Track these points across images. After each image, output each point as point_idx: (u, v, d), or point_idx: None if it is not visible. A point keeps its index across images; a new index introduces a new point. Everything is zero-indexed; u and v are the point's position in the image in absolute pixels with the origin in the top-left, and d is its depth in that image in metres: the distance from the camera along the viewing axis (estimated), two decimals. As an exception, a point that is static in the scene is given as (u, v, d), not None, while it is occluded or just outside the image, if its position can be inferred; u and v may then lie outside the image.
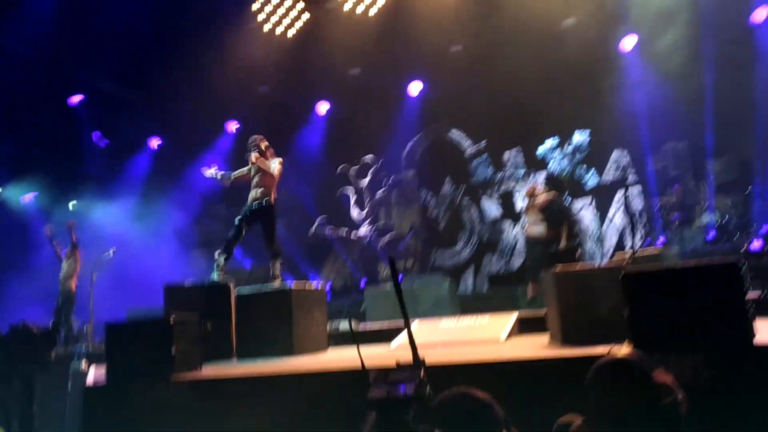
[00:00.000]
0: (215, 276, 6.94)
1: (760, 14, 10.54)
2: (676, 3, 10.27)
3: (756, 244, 6.35)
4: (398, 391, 1.83)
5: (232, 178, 7.29)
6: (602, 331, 4.35)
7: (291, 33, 12.49)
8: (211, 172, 7.29)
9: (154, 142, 14.14)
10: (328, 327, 7.04)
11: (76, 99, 12.65)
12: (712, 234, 10.16)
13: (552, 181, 8.77)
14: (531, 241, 8.47)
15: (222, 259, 7.06)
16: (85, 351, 6.35)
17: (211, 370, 5.35)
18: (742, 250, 6.40)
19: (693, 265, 4.09)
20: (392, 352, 5.95)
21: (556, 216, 8.16)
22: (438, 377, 3.91)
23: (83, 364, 6.20)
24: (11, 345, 3.96)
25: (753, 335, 3.48)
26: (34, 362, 3.98)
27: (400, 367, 2.04)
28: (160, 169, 13.98)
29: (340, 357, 5.89)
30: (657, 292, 3.71)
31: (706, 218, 10.67)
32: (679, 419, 2.30)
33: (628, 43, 11.44)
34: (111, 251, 9.07)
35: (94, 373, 5.83)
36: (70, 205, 10.56)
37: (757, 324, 3.56)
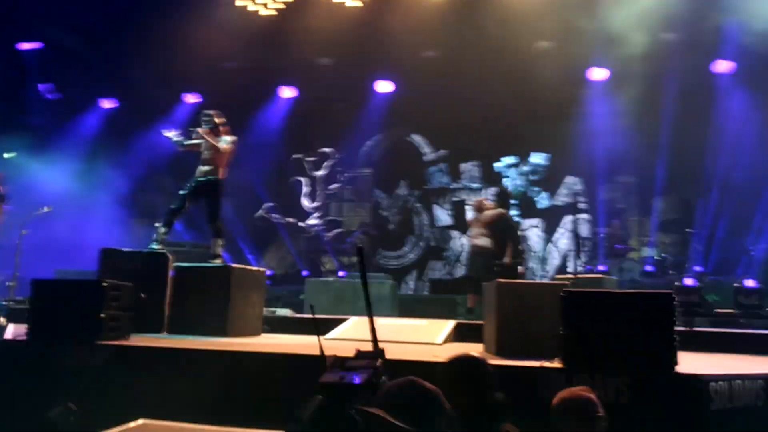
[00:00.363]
0: (154, 246, 6.73)
1: (721, 65, 11.07)
2: (645, 42, 10.64)
3: (688, 281, 6.66)
4: (351, 378, 1.81)
5: (185, 144, 7.12)
6: (536, 346, 4.46)
7: (264, 13, 12.26)
8: (170, 134, 7.09)
9: (107, 103, 13.60)
10: (263, 312, 6.95)
11: (27, 46, 12.03)
12: (649, 267, 10.60)
13: (502, 196, 8.85)
14: (475, 253, 8.53)
15: (162, 230, 6.87)
16: (5, 306, 6.03)
17: (138, 340, 5.19)
18: (676, 284, 6.70)
19: (628, 293, 4.25)
20: (327, 343, 5.91)
21: (503, 231, 8.26)
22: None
23: (2, 319, 5.90)
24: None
25: (676, 364, 3.63)
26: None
27: (359, 355, 2.02)
28: (108, 132, 13.44)
29: (276, 342, 5.81)
30: (592, 313, 3.83)
31: (646, 252, 11.14)
32: None
33: (597, 74, 11.80)
34: (45, 208, 8.65)
35: (12, 329, 5.55)
36: (5, 155, 9.98)
37: (680, 355, 3.72)
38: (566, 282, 5.08)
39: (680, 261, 10.59)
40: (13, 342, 5.15)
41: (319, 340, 2.33)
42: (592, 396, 2.59)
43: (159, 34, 11.47)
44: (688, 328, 6.16)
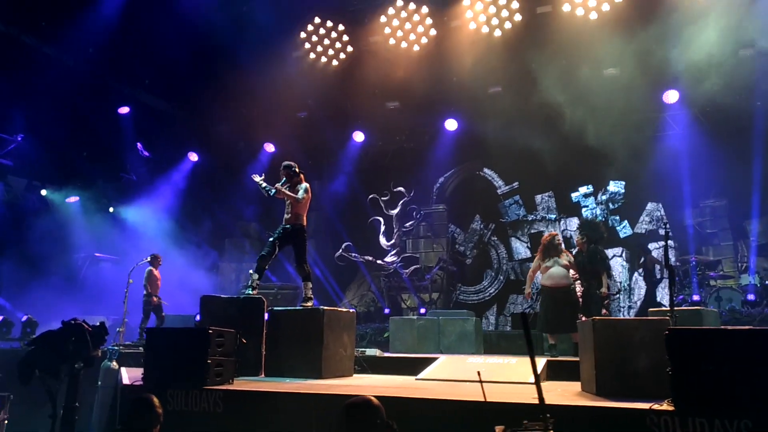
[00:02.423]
0: (249, 292, 7.06)
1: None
2: (726, 59, 10.29)
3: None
4: None
5: (273, 192, 7.45)
6: (638, 385, 4.34)
7: (334, 63, 12.81)
8: (259, 179, 7.46)
9: (193, 157, 14.49)
10: (355, 353, 7.10)
11: (124, 110, 13.12)
12: (752, 296, 9.92)
13: (589, 227, 8.68)
14: (556, 290, 8.30)
15: (256, 277, 7.20)
16: (117, 351, 6.49)
17: (241, 384, 5.44)
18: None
19: (743, 330, 4.03)
20: (418, 383, 5.98)
21: (594, 264, 8.11)
22: (476, 415, 3.95)
23: (114, 363, 6.35)
24: (64, 341, 4.11)
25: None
26: (82, 358, 4.12)
27: (527, 427, 2.09)
28: (197, 183, 14.31)
29: (369, 384, 5.92)
30: (704, 352, 3.63)
31: (746, 279, 10.47)
32: None
33: (671, 96, 11.47)
34: (148, 258, 9.30)
35: (127, 374, 5.96)
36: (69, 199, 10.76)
37: None
38: (665, 317, 4.90)
39: (788, 287, 9.86)
40: (130, 386, 5.53)
41: (482, 389, 2.30)
42: None
43: (236, 88, 12.22)
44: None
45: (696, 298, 10.01)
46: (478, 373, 2.56)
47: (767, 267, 10.71)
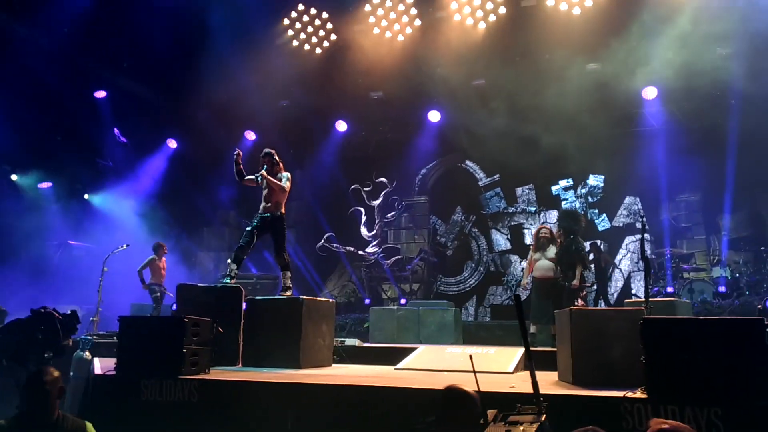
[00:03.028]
0: (227, 281, 6.97)
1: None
2: (704, 57, 10.41)
3: (773, 303, 6.38)
4: (516, 430, 1.87)
5: (245, 178, 7.35)
6: (614, 374, 4.39)
7: (317, 51, 12.68)
8: (237, 155, 7.32)
9: (172, 143, 14.27)
10: (334, 343, 7.08)
11: (100, 94, 12.85)
12: (723, 288, 10.15)
13: (567, 219, 8.72)
14: (541, 282, 8.45)
15: (234, 266, 7.12)
16: (90, 341, 6.38)
17: (217, 374, 5.38)
18: (758, 307, 6.41)
19: (716, 319, 4.11)
20: (397, 372, 5.98)
21: (570, 256, 8.18)
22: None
23: (87, 353, 6.24)
24: (33, 329, 4.02)
25: (772, 394, 3.48)
26: (52, 347, 4.03)
27: (521, 410, 2.09)
28: (175, 171, 14.10)
29: (349, 373, 5.90)
30: (677, 341, 3.71)
31: (717, 272, 10.69)
32: None
33: (650, 92, 11.57)
34: (123, 246, 9.15)
35: (100, 364, 5.86)
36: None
37: None
38: (641, 308, 4.95)
39: (757, 281, 10.10)
40: (102, 376, 5.43)
41: (476, 379, 2.30)
42: (689, 429, 2.50)
43: (217, 74, 12.02)
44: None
45: (670, 290, 10.19)
46: (470, 356, 2.55)
47: (738, 260, 10.94)
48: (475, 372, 2.63)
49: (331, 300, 7.35)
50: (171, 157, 14.17)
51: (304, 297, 6.53)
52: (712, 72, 10.50)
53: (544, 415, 2.00)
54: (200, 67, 11.97)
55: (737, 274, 10.41)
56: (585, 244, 9.34)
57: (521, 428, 1.92)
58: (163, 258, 10.29)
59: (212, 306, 6.33)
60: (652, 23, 10.40)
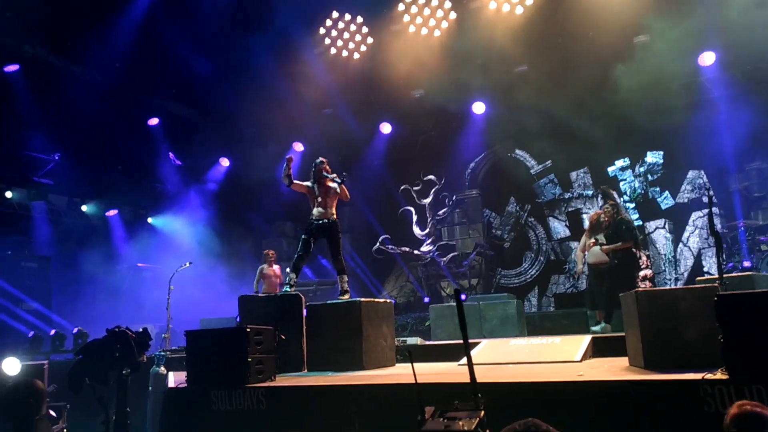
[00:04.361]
0: (287, 290, 7.08)
1: None
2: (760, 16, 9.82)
3: None
4: (457, 426, 1.85)
5: (293, 182, 7.41)
6: (688, 356, 4.18)
7: (356, 56, 12.76)
8: (289, 160, 7.41)
9: (224, 162, 14.66)
10: (396, 343, 7.07)
11: (153, 121, 13.37)
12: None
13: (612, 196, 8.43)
14: (597, 267, 8.20)
15: (293, 275, 7.22)
16: (164, 356, 6.61)
17: (283, 380, 5.46)
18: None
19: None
20: (460, 368, 5.90)
21: (619, 236, 7.87)
22: (515, 397, 3.87)
23: (162, 368, 6.47)
24: (110, 348, 4.21)
25: None
26: (129, 364, 4.21)
27: (458, 407, 2.05)
28: (229, 188, 14.49)
29: (419, 372, 5.86)
30: (757, 317, 3.47)
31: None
32: None
33: (707, 58, 11.00)
34: (187, 264, 9.47)
35: (173, 377, 6.07)
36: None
37: None
38: (713, 284, 4.69)
39: None
40: (176, 389, 5.63)
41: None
42: None
43: (260, 90, 12.29)
44: None
45: (747, 264, 9.63)
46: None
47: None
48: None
49: (389, 300, 7.35)
50: (224, 175, 14.56)
51: (362, 299, 6.55)
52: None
53: (482, 411, 1.93)
54: (243, 84, 12.28)
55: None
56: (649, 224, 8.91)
57: (460, 423, 1.86)
58: (273, 266, 10.42)
59: (274, 315, 6.45)
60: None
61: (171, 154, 13.61)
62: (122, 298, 11.77)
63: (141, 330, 4.56)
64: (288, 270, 7.34)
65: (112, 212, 13.44)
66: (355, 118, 13.42)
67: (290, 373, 6.01)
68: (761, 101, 10.60)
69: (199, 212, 13.70)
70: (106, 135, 12.02)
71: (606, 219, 8.18)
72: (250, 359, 5.27)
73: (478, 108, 13.05)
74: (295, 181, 7.41)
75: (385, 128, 13.83)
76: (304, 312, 6.63)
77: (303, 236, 7.36)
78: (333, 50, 12.77)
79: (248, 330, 5.42)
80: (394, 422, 4.32)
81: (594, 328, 7.79)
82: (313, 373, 6.09)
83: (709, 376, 3.49)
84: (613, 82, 10.85)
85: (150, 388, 6.33)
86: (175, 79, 12.39)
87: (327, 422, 4.62)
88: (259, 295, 7.01)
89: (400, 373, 5.89)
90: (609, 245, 7.94)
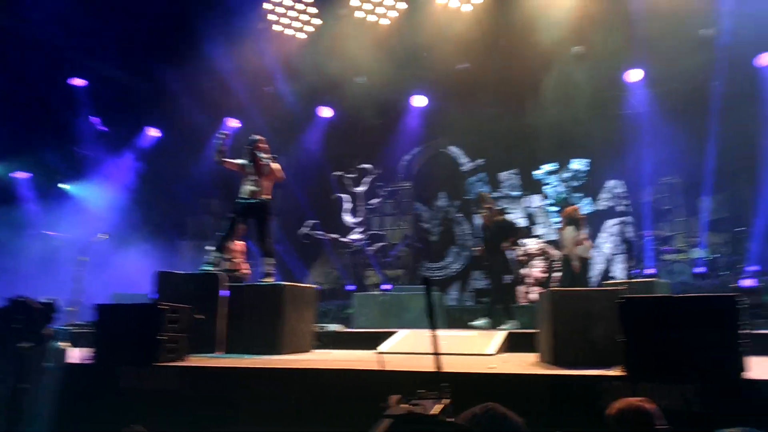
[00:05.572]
0: (207, 268, 6.88)
1: (765, 59, 10.70)
2: (686, 40, 10.42)
3: (747, 282, 6.43)
4: (423, 408, 1.86)
5: (225, 160, 7.20)
6: (596, 354, 4.38)
7: (300, 36, 12.52)
8: (222, 136, 7.18)
9: (153, 132, 14.05)
10: (315, 329, 7.04)
11: (78, 82, 12.60)
12: (700, 269, 10.29)
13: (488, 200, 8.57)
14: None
15: (215, 254, 7.02)
16: (66, 331, 6.27)
17: (195, 361, 5.31)
18: (732, 286, 6.47)
19: (690, 297, 4.12)
20: (378, 355, 5.93)
21: (501, 236, 8.12)
22: (431, 385, 3.93)
23: (62, 343, 6.13)
24: (10, 318, 3.93)
25: (743, 369, 3.51)
26: (31, 337, 3.95)
27: (423, 396, 2.06)
28: (156, 159, 13.90)
29: (329, 358, 5.86)
30: (653, 320, 3.72)
31: (695, 253, 10.81)
32: None
33: (634, 75, 11.58)
34: (101, 236, 8.99)
35: (77, 353, 5.76)
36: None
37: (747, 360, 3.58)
38: (621, 288, 4.96)
39: (733, 261, 10.23)
40: (79, 365, 5.34)
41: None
42: (652, 407, 2.49)
43: (198, 62, 11.83)
44: (750, 331, 5.93)
45: (651, 271, 10.27)
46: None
47: (716, 241, 11.06)
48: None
49: (313, 286, 7.29)
50: (152, 145, 13.95)
51: (286, 283, 6.46)
52: (694, 55, 10.53)
53: (448, 399, 1.98)
54: (181, 53, 11.77)
55: (715, 255, 10.55)
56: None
57: (425, 408, 1.90)
58: (238, 242, 9.79)
59: (191, 293, 6.24)
60: (636, 5, 10.35)
61: (94, 118, 12.87)
62: (28, 266, 11.05)
63: (46, 301, 4.31)
64: (210, 247, 7.13)
65: (21, 174, 12.55)
66: (296, 99, 13.17)
67: (204, 353, 5.84)
68: (679, 119, 11.29)
69: (121, 182, 13.05)
70: (23, 91, 11.21)
71: (487, 222, 8.35)
72: (162, 337, 5.08)
73: (419, 101, 13.16)
74: (227, 160, 7.20)
75: (325, 112, 13.69)
76: (225, 292, 6.46)
77: (231, 215, 7.17)
78: (278, 27, 12.46)
79: (162, 307, 5.22)
80: (306, 407, 4.30)
81: (476, 323, 8.01)
82: (228, 355, 5.97)
83: (608, 372, 3.70)
84: (549, 88, 11.23)
85: (48, 363, 5.98)
86: (110, 42, 11.70)
87: (239, 404, 4.54)
88: (177, 272, 6.74)
89: (316, 359, 5.85)
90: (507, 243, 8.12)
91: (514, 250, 8.03)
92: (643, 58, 11.23)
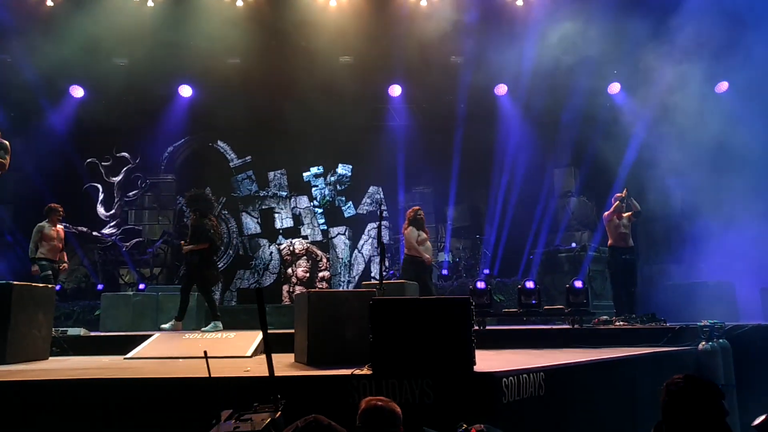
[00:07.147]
0: None
1: (502, 89, 12.48)
2: (440, 64, 11.72)
3: (480, 284, 7.49)
4: (246, 427, 1.84)
5: None
6: (348, 354, 4.64)
7: (48, 5, 11.01)
8: None
9: None
10: (53, 333, 6.28)
11: None
12: (445, 271, 11.66)
13: (196, 202, 8.19)
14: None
15: None
16: None
17: None
18: (470, 287, 7.45)
19: (431, 299, 4.61)
20: (126, 362, 5.54)
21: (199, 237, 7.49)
22: (186, 392, 3.80)
23: None
24: None
25: (473, 363, 4.01)
26: None
27: (256, 409, 2.02)
28: None
29: (66, 367, 5.26)
30: (398, 320, 4.05)
31: (442, 257, 12.24)
32: None
33: (396, 90, 12.63)
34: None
35: None
36: None
37: (476, 353, 4.12)
38: (374, 289, 5.35)
39: (472, 264, 11.81)
40: None
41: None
42: (393, 406, 2.64)
43: None
44: (481, 328, 6.92)
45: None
46: (205, 352, 2.42)
47: (458, 247, 12.71)
48: (207, 357, 2.51)
49: (50, 286, 6.49)
50: None
51: (15, 282, 5.65)
52: (446, 77, 11.90)
53: (280, 412, 2.03)
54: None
55: (457, 259, 12.05)
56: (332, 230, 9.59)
57: (251, 424, 1.94)
58: (58, 225, 8.23)
59: None
60: (399, 24, 11.26)
61: None
62: None
63: None
64: None
65: None
66: (38, 73, 11.43)
67: None
68: (431, 135, 12.69)
69: None
70: None
71: (191, 223, 8.03)
72: None
73: (185, 91, 12.52)
74: None
75: (77, 91, 12.20)
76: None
77: None
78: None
79: None
80: (37, 425, 3.82)
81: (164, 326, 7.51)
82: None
83: (357, 371, 3.95)
84: (318, 93, 11.61)
85: None
86: None
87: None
88: None
89: (53, 367, 5.21)
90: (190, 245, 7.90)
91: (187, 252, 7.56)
92: (402, 76, 12.33)
